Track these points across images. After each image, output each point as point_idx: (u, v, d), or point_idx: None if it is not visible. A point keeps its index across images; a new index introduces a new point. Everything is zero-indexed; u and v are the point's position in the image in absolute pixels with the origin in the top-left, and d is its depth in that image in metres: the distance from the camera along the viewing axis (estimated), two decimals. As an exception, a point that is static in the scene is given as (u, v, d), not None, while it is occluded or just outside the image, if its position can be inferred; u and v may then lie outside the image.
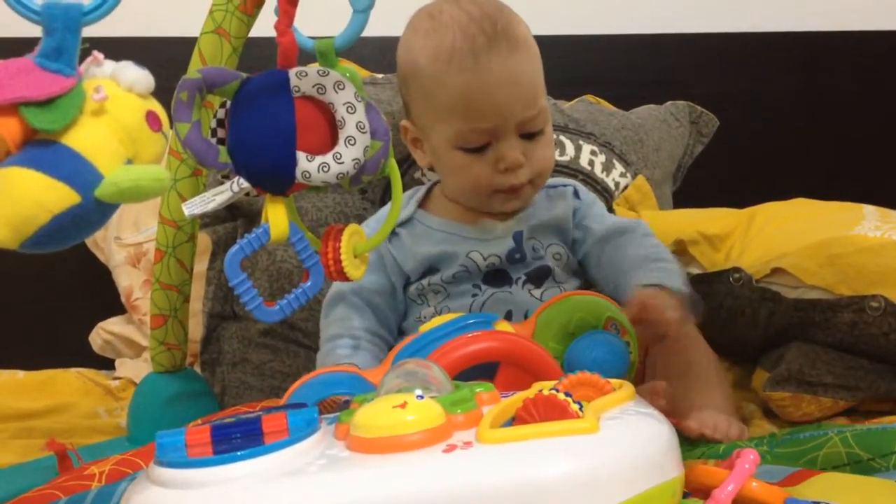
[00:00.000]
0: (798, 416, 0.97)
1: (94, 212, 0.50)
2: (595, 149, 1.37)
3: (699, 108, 1.61)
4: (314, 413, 0.56)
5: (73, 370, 1.39)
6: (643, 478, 0.50)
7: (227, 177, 0.75)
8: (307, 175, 0.71)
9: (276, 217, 0.74)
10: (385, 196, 1.26)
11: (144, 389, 1.04)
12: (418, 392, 0.54)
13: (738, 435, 0.88)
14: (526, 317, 0.96)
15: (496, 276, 1.02)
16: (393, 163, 0.77)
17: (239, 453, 0.51)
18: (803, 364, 0.97)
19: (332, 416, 0.62)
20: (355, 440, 0.52)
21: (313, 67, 0.71)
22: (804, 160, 1.86)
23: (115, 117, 0.51)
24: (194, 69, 0.90)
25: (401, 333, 1.05)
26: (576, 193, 1.09)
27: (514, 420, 0.54)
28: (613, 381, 0.61)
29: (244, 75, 0.73)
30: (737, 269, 1.08)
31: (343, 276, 0.77)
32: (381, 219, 1.06)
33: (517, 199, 1.03)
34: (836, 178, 1.70)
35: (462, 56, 0.97)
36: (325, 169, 0.71)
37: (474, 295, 1.00)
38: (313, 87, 0.71)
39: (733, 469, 0.58)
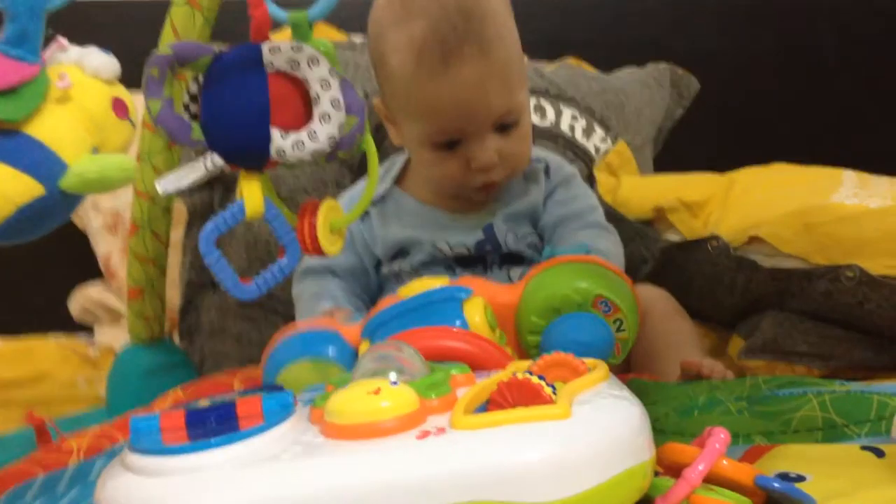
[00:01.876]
0: (772, 379, 0.98)
1: (59, 203, 0.50)
2: (576, 113, 1.36)
3: (680, 70, 1.60)
4: (289, 397, 0.56)
5: (52, 339, 1.38)
6: (616, 461, 0.50)
7: (201, 153, 0.75)
8: (282, 153, 0.70)
9: (251, 194, 0.73)
10: (363, 163, 1.26)
11: (122, 361, 1.04)
12: (392, 377, 0.54)
13: (724, 375, 0.89)
14: None
15: (469, 259, 1.01)
16: (369, 138, 0.77)
17: (213, 440, 0.51)
18: (778, 333, 0.98)
19: (307, 395, 0.63)
20: (329, 426, 0.52)
21: (286, 42, 0.70)
22: (785, 120, 1.87)
23: (80, 105, 0.51)
24: (166, 42, 0.90)
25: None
26: (546, 171, 1.07)
27: (489, 404, 0.54)
28: (588, 360, 0.62)
29: (216, 49, 0.72)
30: (714, 237, 1.09)
31: (319, 251, 0.77)
32: (357, 195, 1.05)
33: (493, 193, 1.01)
34: (817, 139, 1.71)
35: (431, 60, 0.92)
36: (300, 147, 0.70)
37: (450, 275, 1.00)
38: (286, 62, 0.70)
39: (704, 448, 0.58)
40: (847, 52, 1.88)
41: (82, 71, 0.52)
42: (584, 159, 1.32)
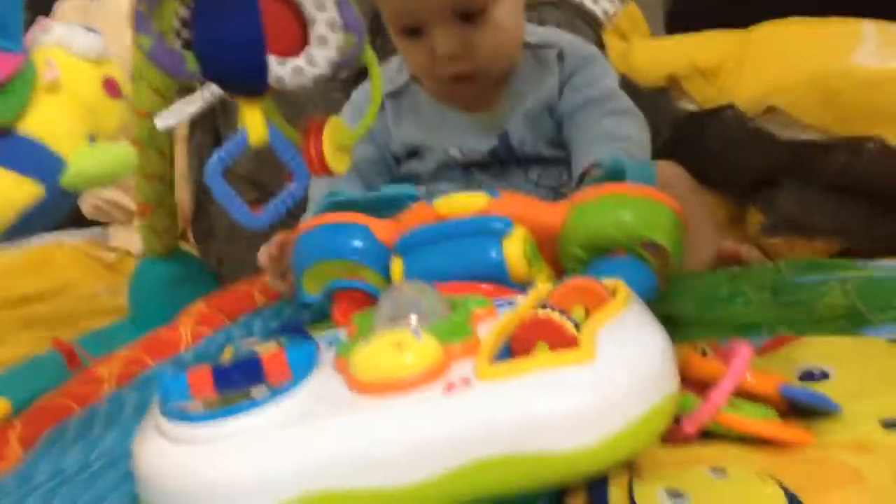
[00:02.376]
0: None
1: (60, 198, 0.49)
2: (580, -26, 1.30)
3: None
4: (312, 347, 0.56)
5: (65, 239, 1.38)
6: (643, 399, 0.50)
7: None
8: (281, 80, 0.68)
9: (253, 121, 0.71)
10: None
11: (141, 275, 1.04)
12: (413, 326, 0.54)
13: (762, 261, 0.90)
14: None
15: (484, 163, 0.99)
16: (369, 51, 0.74)
17: (245, 404, 0.51)
18: (796, 208, 0.97)
19: (330, 336, 0.63)
20: (355, 381, 0.52)
21: (276, -37, 0.66)
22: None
23: (71, 92, 0.49)
24: None
25: None
26: (560, 57, 0.99)
27: (511, 345, 0.54)
28: (609, 282, 0.61)
29: (202, -28, 0.68)
30: (730, 106, 1.06)
31: (328, 171, 0.75)
32: (359, 103, 1.01)
33: (472, 85, 0.95)
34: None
35: None
36: (300, 73, 0.68)
37: (465, 177, 0.99)
38: (279, -16, 0.67)
39: (729, 366, 0.59)
40: None
41: (68, 53, 0.50)
42: (592, 26, 1.27)
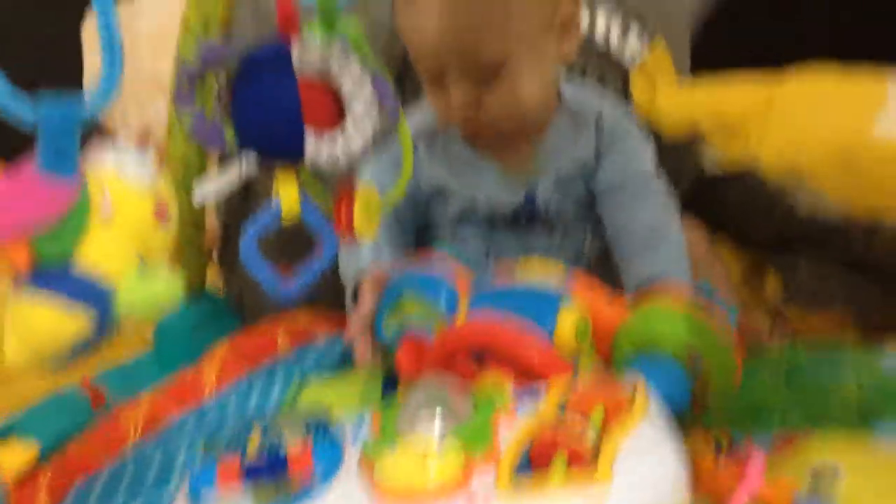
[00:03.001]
0: (807, 330, 0.99)
1: (108, 324, 0.50)
2: (610, 12, 1.30)
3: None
4: (338, 449, 0.58)
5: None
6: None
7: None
8: (315, 157, 0.69)
9: (287, 193, 0.73)
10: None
11: (166, 318, 1.06)
12: (437, 433, 0.56)
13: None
14: None
15: (507, 217, 0.99)
16: (404, 125, 0.75)
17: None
18: (814, 281, 0.98)
19: (356, 424, 0.64)
20: (379, 487, 0.54)
21: (316, 45, 0.68)
22: None
23: (124, 220, 0.50)
24: (191, 15, 0.86)
25: (429, 237, 1.05)
26: (598, 122, 1.00)
27: (531, 460, 0.56)
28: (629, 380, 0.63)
29: (244, 48, 0.69)
30: (753, 172, 1.07)
31: (355, 238, 0.77)
32: (392, 163, 1.00)
33: (490, 138, 0.96)
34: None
35: None
36: (334, 149, 0.69)
37: (488, 232, 0.99)
38: (317, 67, 0.68)
39: (745, 476, 0.60)
40: None
41: (121, 181, 0.51)
42: (618, 69, 1.28)
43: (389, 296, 0.84)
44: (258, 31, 1.18)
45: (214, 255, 1.32)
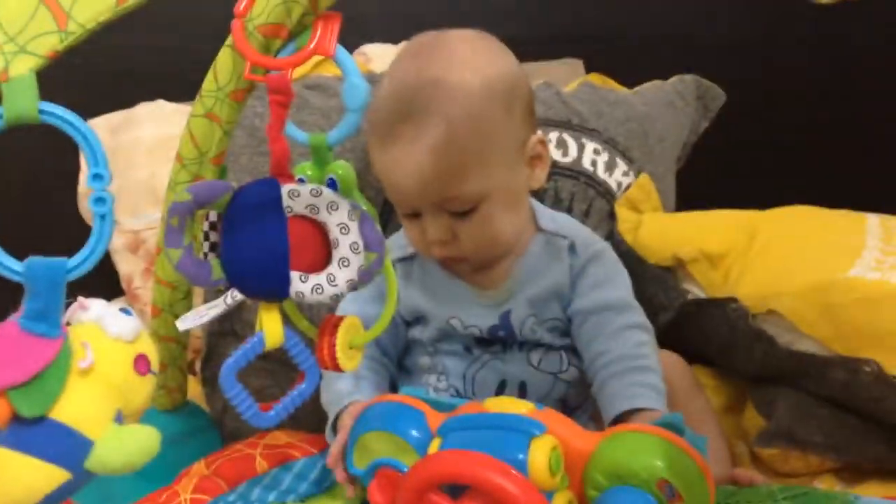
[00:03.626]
0: (786, 470, 1.00)
1: (84, 479, 0.51)
2: (598, 147, 1.34)
3: (706, 82, 1.57)
4: None
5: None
6: None
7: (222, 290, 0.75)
8: (301, 295, 0.71)
9: (271, 324, 0.74)
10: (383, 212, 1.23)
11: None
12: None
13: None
14: (521, 389, 0.97)
15: (484, 340, 1.00)
16: (389, 267, 0.77)
17: None
18: (794, 421, 0.99)
19: None
20: None
21: (306, 187, 0.70)
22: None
23: (103, 375, 0.51)
24: (184, 152, 0.89)
25: (404, 371, 1.06)
26: (572, 248, 1.02)
27: None
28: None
29: (234, 185, 0.71)
30: (734, 300, 1.09)
31: (338, 369, 0.78)
32: (374, 295, 0.99)
33: (464, 265, 0.99)
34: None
35: (375, 129, 0.94)
36: (319, 291, 0.71)
37: (466, 353, 1.01)
38: (306, 207, 0.70)
39: None
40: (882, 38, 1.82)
41: (104, 333, 0.52)
42: (605, 196, 1.31)
43: (357, 430, 0.84)
44: (252, 155, 1.22)
45: (197, 366, 1.32)
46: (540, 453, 0.74)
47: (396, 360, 1.06)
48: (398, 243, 1.06)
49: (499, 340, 1.00)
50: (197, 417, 1.10)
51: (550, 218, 1.06)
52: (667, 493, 0.72)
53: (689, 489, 0.72)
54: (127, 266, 1.47)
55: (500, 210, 0.95)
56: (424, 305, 1.01)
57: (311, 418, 1.09)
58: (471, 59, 0.94)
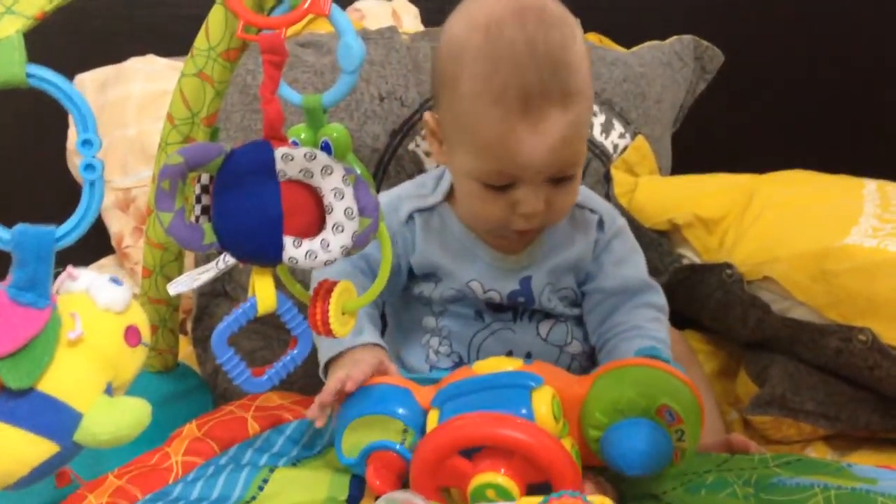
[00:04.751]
0: (778, 437, 1.00)
1: (73, 451, 0.50)
2: (595, 108, 1.33)
3: (704, 42, 1.55)
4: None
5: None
6: None
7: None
8: (294, 261, 0.70)
9: (264, 289, 0.73)
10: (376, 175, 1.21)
11: (137, 389, 1.04)
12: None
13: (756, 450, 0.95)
14: (528, 357, 0.97)
15: (498, 305, 1.00)
16: (384, 233, 0.76)
17: None
18: (786, 388, 0.99)
19: None
20: None
21: (300, 150, 0.68)
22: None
23: (93, 346, 0.50)
24: (175, 111, 0.87)
25: (400, 328, 1.06)
26: (600, 224, 1.02)
27: None
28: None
29: (228, 148, 0.70)
30: (729, 266, 1.08)
31: (330, 334, 0.77)
32: (368, 261, 0.99)
33: (527, 239, 0.98)
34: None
35: (511, 105, 0.86)
36: (313, 256, 0.70)
37: (476, 319, 1.00)
38: (300, 171, 0.69)
39: None
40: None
41: (94, 304, 0.51)
42: (601, 158, 1.30)
43: (342, 421, 0.83)
44: (245, 113, 1.20)
45: (189, 325, 1.31)
46: (543, 404, 0.76)
47: (391, 297, 1.05)
48: (415, 191, 1.04)
49: (513, 307, 1.00)
50: (188, 378, 1.09)
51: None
52: (666, 418, 0.75)
53: (686, 410, 0.75)
54: (117, 224, 1.45)
55: (580, 174, 0.96)
56: (442, 263, 0.99)
57: (303, 380, 1.09)
58: (569, 20, 0.92)
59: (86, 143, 0.54)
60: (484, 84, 0.88)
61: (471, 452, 0.76)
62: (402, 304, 1.06)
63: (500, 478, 0.74)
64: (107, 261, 1.50)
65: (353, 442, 0.82)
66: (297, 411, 1.03)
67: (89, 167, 0.53)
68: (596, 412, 0.77)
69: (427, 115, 1.00)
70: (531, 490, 0.75)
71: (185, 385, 1.07)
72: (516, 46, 0.87)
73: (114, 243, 1.46)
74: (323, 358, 0.96)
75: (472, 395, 0.80)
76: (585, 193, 1.05)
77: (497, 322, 1.00)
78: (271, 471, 0.89)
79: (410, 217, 1.01)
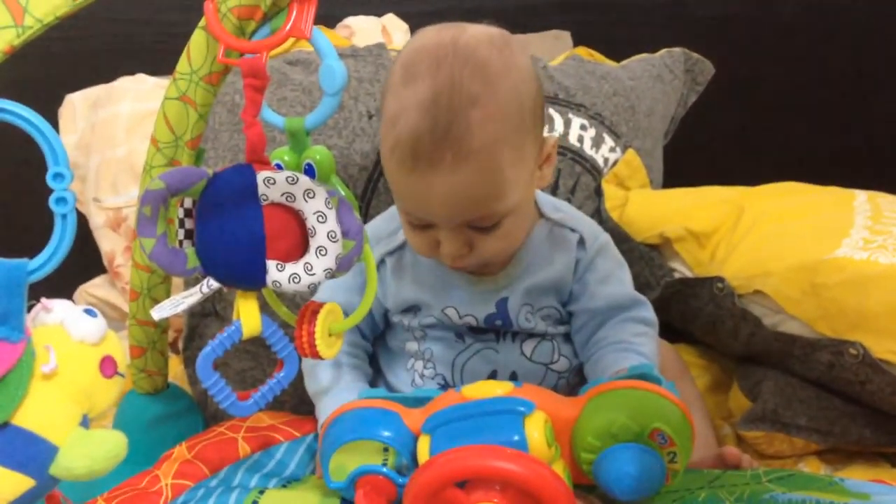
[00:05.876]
0: (771, 452, 0.99)
1: (49, 484, 0.50)
2: (585, 122, 1.32)
3: (694, 55, 1.55)
4: None
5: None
6: None
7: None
8: (277, 284, 0.69)
9: (248, 313, 0.73)
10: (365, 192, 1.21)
11: (127, 411, 1.04)
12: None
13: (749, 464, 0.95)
14: (512, 378, 0.96)
15: (478, 329, 0.98)
16: (369, 254, 0.76)
17: None
18: (778, 403, 0.98)
19: None
20: None
21: (282, 174, 0.68)
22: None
23: (67, 378, 0.50)
24: (158, 135, 0.87)
25: (385, 351, 1.05)
26: (581, 243, 0.99)
27: None
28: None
29: (210, 172, 0.70)
30: (720, 279, 1.08)
31: (317, 356, 0.77)
32: (354, 284, 0.99)
33: (474, 270, 0.96)
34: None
35: (402, 153, 0.83)
36: (296, 280, 0.69)
37: (458, 341, 0.99)
38: (282, 195, 0.68)
39: None
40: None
41: (68, 335, 0.51)
42: (591, 172, 1.29)
43: (329, 447, 0.82)
44: (233, 132, 1.20)
45: (180, 344, 1.31)
46: (536, 430, 0.75)
47: (373, 340, 1.05)
48: (385, 231, 1.02)
49: (493, 330, 0.99)
50: (179, 399, 1.09)
51: (553, 207, 1.02)
52: (659, 441, 0.74)
53: (678, 433, 0.74)
54: (109, 243, 1.45)
55: (520, 220, 0.91)
56: (419, 297, 0.98)
57: (294, 399, 1.09)
58: (503, 71, 0.85)
59: (57, 175, 0.54)
60: (387, 128, 0.86)
61: (464, 482, 0.75)
62: (386, 330, 1.05)
63: None
64: (99, 280, 1.50)
65: (340, 465, 0.81)
66: (287, 432, 1.03)
67: (61, 200, 0.53)
68: (588, 436, 0.76)
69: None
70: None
71: (175, 406, 1.07)
72: (420, 95, 0.83)
73: (105, 262, 1.46)
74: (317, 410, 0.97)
75: (464, 422, 0.79)
76: (565, 211, 1.03)
77: (478, 343, 0.99)
78: (261, 492, 0.89)
79: (382, 262, 1.00)
